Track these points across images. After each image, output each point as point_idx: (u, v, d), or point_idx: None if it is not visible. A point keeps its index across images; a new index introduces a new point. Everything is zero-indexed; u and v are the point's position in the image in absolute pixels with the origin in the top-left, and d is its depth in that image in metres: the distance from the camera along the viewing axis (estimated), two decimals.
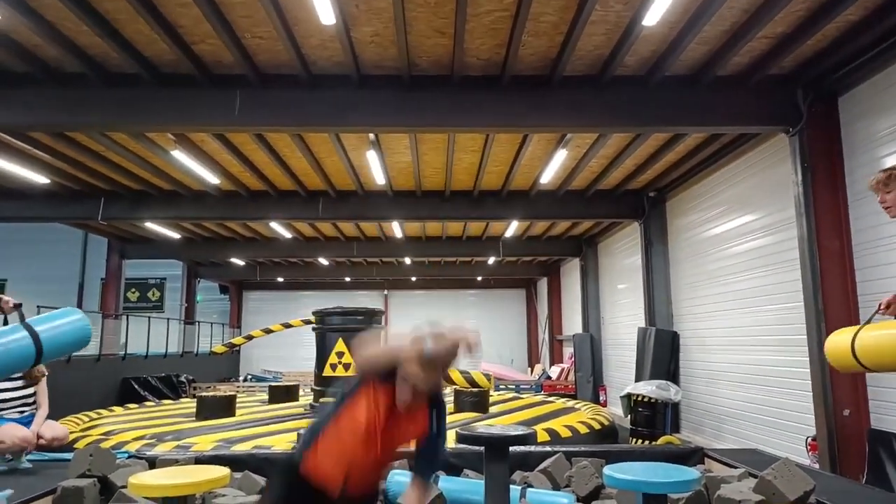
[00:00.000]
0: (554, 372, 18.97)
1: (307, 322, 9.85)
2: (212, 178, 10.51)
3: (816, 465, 6.57)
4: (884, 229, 6.26)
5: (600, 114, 7.43)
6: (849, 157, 6.80)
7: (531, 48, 6.59)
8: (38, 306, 10.48)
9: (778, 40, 6.40)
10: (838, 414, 6.48)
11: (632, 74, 7.19)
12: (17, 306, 3.58)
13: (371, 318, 9.21)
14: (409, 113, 7.36)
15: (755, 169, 8.80)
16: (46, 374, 5.21)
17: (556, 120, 7.50)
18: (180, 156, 9.26)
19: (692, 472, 3.28)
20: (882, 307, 3.50)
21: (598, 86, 7.22)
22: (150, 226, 14.65)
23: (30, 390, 5.04)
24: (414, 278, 23.65)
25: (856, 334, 3.48)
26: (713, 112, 7.39)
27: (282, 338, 19.40)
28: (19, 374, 4.98)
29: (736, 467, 4.49)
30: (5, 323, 3.54)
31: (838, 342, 3.65)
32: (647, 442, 9.70)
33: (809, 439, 7.10)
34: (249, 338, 12.36)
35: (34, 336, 3.42)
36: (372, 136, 8.88)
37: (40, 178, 10.60)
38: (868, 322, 3.58)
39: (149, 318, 15.47)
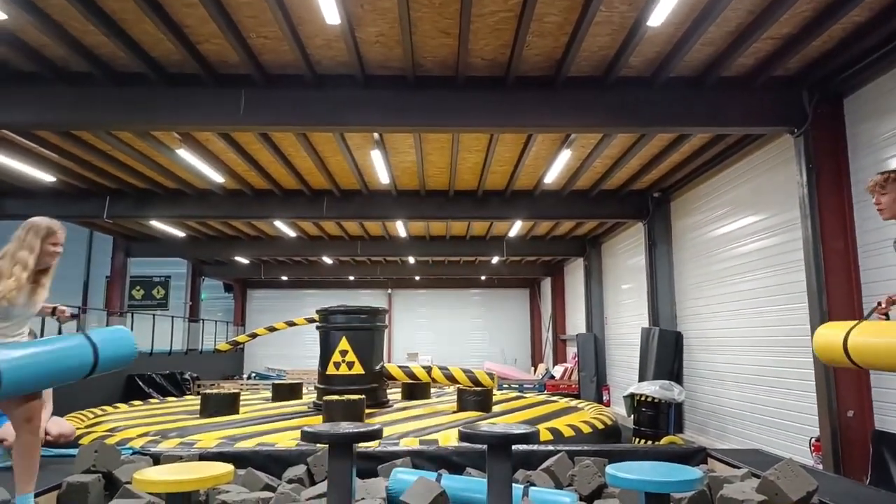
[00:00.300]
0: (557, 371, 18.98)
1: (311, 320, 9.86)
2: (217, 177, 10.55)
3: (820, 466, 6.56)
4: (889, 230, 6.23)
5: (605, 114, 7.43)
6: (854, 159, 6.79)
7: (536, 49, 6.60)
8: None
9: (783, 41, 6.39)
10: (842, 415, 6.48)
11: (636, 75, 7.19)
12: (75, 316, 3.60)
13: (375, 316, 9.22)
14: (414, 113, 7.38)
15: (760, 170, 8.79)
16: None
17: (560, 120, 7.50)
18: (186, 155, 9.30)
19: (695, 472, 3.28)
20: (884, 305, 3.50)
21: (603, 86, 7.23)
22: (156, 224, 14.71)
23: None
24: (418, 277, 23.68)
25: (849, 332, 3.48)
26: (718, 113, 7.39)
27: (286, 336, 19.48)
28: None
29: (739, 467, 4.49)
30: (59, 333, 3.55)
31: (829, 336, 3.66)
32: (650, 442, 9.70)
33: (813, 440, 7.10)
34: (254, 336, 12.37)
35: (94, 346, 3.41)
36: (376, 135, 8.90)
37: (47, 177, 10.66)
38: (864, 319, 3.58)
39: (153, 315, 15.53)
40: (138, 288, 20.50)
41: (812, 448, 7.10)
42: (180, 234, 16.19)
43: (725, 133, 8.59)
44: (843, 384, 6.52)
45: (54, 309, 3.52)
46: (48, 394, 5.18)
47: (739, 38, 6.27)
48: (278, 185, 11.70)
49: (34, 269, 3.33)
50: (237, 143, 9.39)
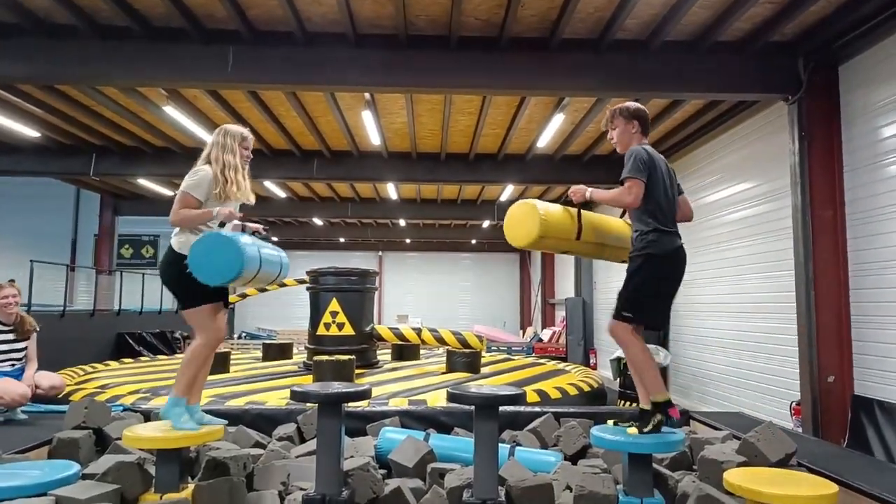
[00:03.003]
0: (545, 335, 19.18)
1: (301, 282, 9.86)
2: (205, 136, 10.39)
3: (799, 430, 6.73)
4: (878, 199, 6.28)
5: (599, 78, 7.35)
6: (847, 127, 6.78)
7: (531, 9, 6.48)
8: (31, 261, 10.47)
9: (781, 6, 6.30)
10: (823, 380, 6.61)
11: (632, 38, 7.09)
12: (267, 230, 3.75)
13: (365, 278, 9.23)
14: (406, 73, 7.26)
15: (752, 137, 8.76)
16: (38, 329, 5.25)
17: (554, 83, 7.42)
18: (173, 112, 9.14)
19: (677, 434, 3.36)
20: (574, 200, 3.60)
21: (598, 49, 7.13)
22: (143, 182, 14.54)
23: (22, 344, 5.09)
24: (409, 240, 23.66)
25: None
26: (712, 78, 7.33)
27: (276, 297, 19.46)
28: (11, 328, 5.01)
29: (720, 429, 4.60)
30: None
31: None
32: (634, 404, 9.87)
33: (793, 404, 7.25)
34: (244, 296, 12.35)
35: (281, 261, 3.69)
36: (367, 95, 8.77)
37: (31, 132, 10.46)
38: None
39: (143, 274, 15.44)
40: (127, 247, 20.35)
41: (792, 412, 7.26)
42: (169, 192, 16.01)
43: (720, 99, 8.53)
44: (824, 350, 6.64)
45: (244, 226, 3.64)
46: (34, 353, 5.20)
47: (738, 1, 6.17)
48: (268, 144, 11.55)
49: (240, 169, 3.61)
50: (225, 101, 9.23)
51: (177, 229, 3.53)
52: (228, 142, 3.63)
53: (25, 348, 5.14)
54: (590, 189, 3.56)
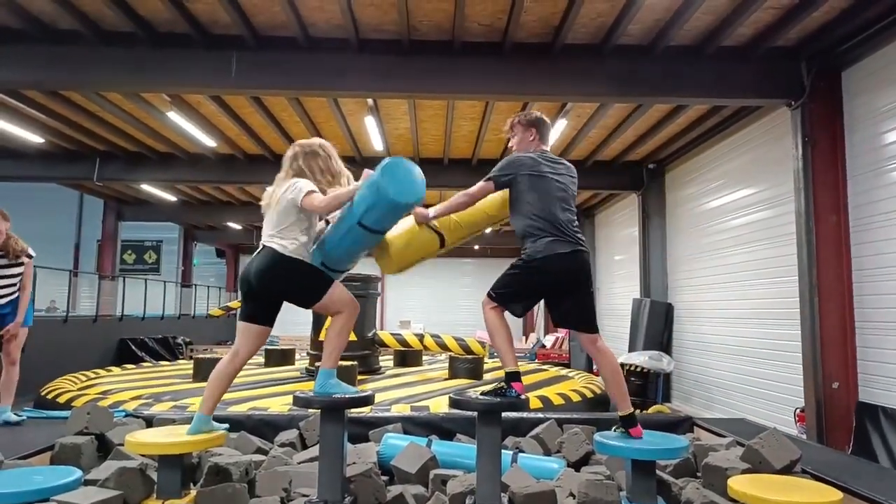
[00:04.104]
0: (548, 341, 19.13)
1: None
2: (208, 141, 10.43)
3: (804, 436, 6.69)
4: (882, 205, 6.26)
5: (602, 83, 7.35)
6: (850, 132, 6.76)
7: (533, 14, 6.49)
8: (34, 266, 10.49)
9: (785, 11, 6.30)
10: (827, 387, 6.58)
11: (635, 44, 7.09)
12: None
13: (367, 284, 9.21)
14: (409, 78, 7.27)
15: (756, 143, 8.75)
16: (32, 255, 5.15)
17: (556, 89, 7.42)
18: (176, 117, 9.17)
19: (681, 440, 3.34)
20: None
21: (601, 55, 7.13)
22: (147, 188, 14.57)
23: (16, 270, 5.00)
24: None
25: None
26: (715, 84, 7.32)
27: None
28: (2, 253, 4.93)
29: (724, 436, 4.57)
30: None
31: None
32: (638, 411, 9.83)
33: (798, 411, 7.22)
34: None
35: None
36: (370, 101, 8.79)
37: (34, 138, 10.50)
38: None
39: (146, 280, 15.48)
40: (130, 252, 20.39)
41: (796, 418, 7.22)
42: (172, 198, 16.05)
43: (723, 105, 8.52)
44: (829, 356, 6.61)
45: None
46: (28, 280, 5.11)
47: (741, 7, 6.17)
48: (270, 150, 11.57)
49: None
50: (229, 107, 9.25)
51: (276, 237, 3.54)
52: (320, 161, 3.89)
53: (20, 274, 5.05)
54: (432, 210, 3.87)
